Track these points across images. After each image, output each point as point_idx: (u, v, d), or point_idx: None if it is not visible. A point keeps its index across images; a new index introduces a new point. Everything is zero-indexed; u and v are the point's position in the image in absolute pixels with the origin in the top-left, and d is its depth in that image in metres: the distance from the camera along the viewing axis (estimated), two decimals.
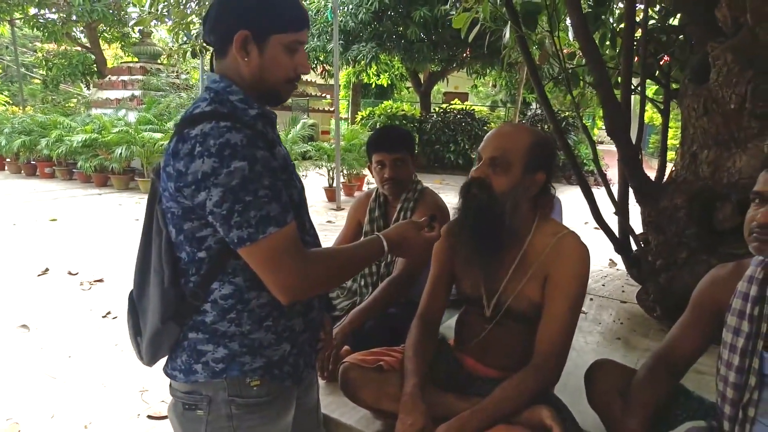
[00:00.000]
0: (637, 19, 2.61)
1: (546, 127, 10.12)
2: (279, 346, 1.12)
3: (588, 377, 1.41)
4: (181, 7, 6.06)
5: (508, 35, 2.48)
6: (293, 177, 1.15)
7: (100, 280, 4.34)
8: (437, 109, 13.76)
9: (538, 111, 11.73)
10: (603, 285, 2.95)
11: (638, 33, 2.66)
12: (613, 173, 3.28)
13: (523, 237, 1.36)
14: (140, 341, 1.14)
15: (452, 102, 16.49)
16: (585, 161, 10.57)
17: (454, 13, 3.06)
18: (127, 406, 2.53)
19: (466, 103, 16.49)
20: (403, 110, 13.58)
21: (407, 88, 17.25)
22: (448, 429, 1.21)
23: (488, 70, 11.97)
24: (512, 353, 1.40)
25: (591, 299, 2.67)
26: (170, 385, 1.15)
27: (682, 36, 2.66)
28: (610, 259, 3.79)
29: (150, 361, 1.15)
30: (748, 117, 2.05)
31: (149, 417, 2.46)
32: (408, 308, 1.72)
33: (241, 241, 0.98)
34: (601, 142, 17.72)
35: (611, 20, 3.04)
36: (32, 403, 2.53)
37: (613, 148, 2.59)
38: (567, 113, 11.50)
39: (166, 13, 6.27)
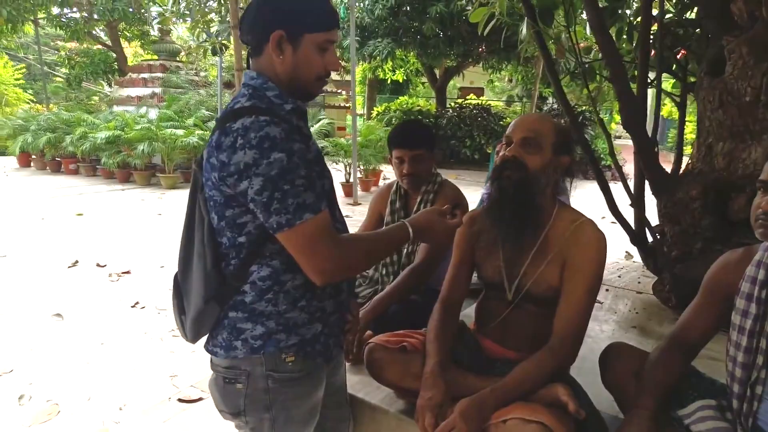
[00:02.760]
0: (654, 13, 2.65)
1: (562, 121, 10.05)
2: (312, 326, 1.21)
3: (603, 359, 1.48)
4: (202, 5, 6.19)
5: (525, 30, 2.53)
6: (325, 168, 1.23)
7: (128, 272, 4.49)
8: (453, 104, 13.76)
9: (555, 106, 11.68)
10: (619, 276, 2.99)
11: (655, 27, 2.69)
12: (630, 168, 3.30)
13: (544, 223, 1.42)
14: (184, 320, 1.23)
15: (468, 97, 16.48)
16: (602, 155, 10.51)
17: (470, 8, 3.10)
18: (159, 390, 2.66)
19: (481, 98, 16.47)
20: (418, 106, 13.63)
21: (423, 84, 17.28)
22: (469, 404, 1.29)
23: (504, 65, 11.94)
24: (531, 335, 1.46)
25: (607, 290, 2.72)
26: (211, 360, 1.24)
27: (698, 29, 2.68)
28: (627, 252, 3.82)
29: (193, 338, 1.24)
30: (763, 109, 2.08)
31: (179, 400, 2.58)
32: (429, 295, 1.80)
33: (280, 227, 1.06)
34: (619, 137, 17.57)
35: (628, 14, 3.06)
36: (70, 386, 2.67)
37: (630, 142, 2.63)
38: (584, 107, 11.42)
39: (187, 12, 6.41)
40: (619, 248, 3.80)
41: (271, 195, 1.04)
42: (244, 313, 1.17)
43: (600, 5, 3.07)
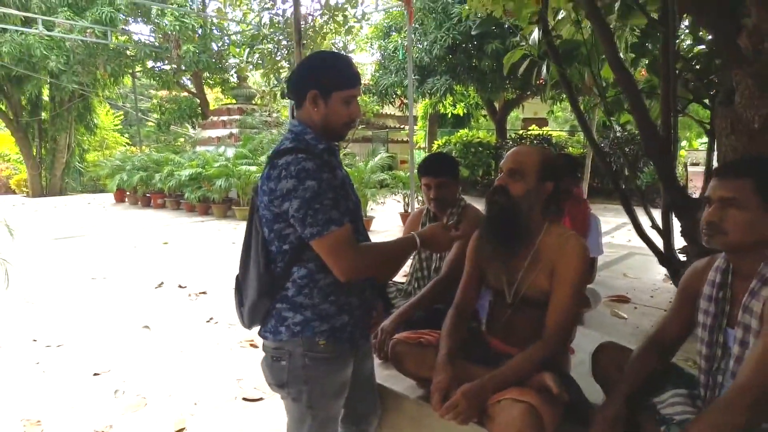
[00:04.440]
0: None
1: (618, 150, 9.97)
2: (340, 316, 1.53)
3: (594, 356, 1.68)
4: (273, 56, 6.92)
5: (544, 71, 2.79)
6: (350, 193, 1.57)
7: (204, 293, 5.04)
8: (513, 135, 13.89)
9: (618, 134, 11.52)
10: (651, 296, 3.07)
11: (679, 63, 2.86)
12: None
13: (535, 237, 1.68)
14: (243, 311, 1.60)
15: (530, 128, 16.53)
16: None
17: (523, 44, 3.39)
18: (227, 391, 3.05)
19: (544, 128, 16.46)
20: (478, 138, 13.88)
21: (484, 116, 17.52)
22: (470, 387, 1.54)
23: (563, 96, 11.98)
24: (530, 335, 1.69)
25: (635, 308, 2.82)
26: (263, 344, 1.59)
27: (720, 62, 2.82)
28: (665, 274, 3.85)
29: (249, 324, 1.60)
30: None
31: (244, 399, 2.96)
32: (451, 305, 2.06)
33: (312, 236, 1.41)
34: (696, 164, 16.80)
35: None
36: (155, 384, 3.13)
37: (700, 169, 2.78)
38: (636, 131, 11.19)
39: (260, 62, 7.18)
40: (659, 270, 3.84)
41: (306, 212, 1.39)
42: (287, 305, 1.51)
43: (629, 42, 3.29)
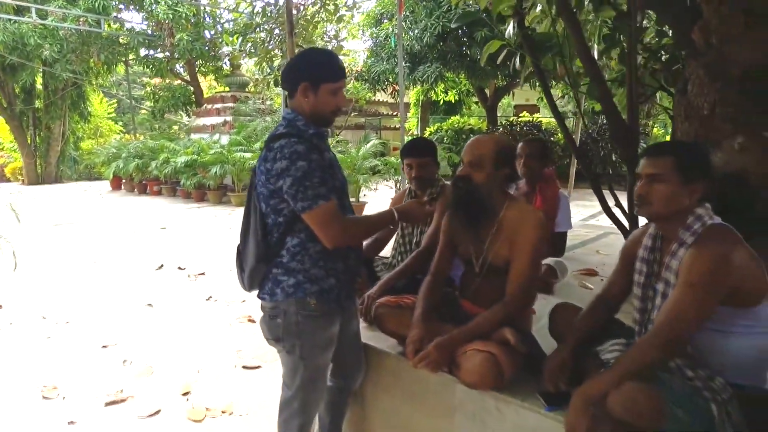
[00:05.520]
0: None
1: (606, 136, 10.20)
2: (327, 280, 1.76)
3: (551, 315, 1.93)
4: (265, 45, 7.07)
5: (517, 62, 3.01)
6: (336, 173, 1.79)
7: (203, 274, 5.28)
8: (503, 122, 14.09)
9: (605, 121, 11.80)
10: None
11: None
12: None
13: (497, 213, 1.91)
14: (243, 276, 1.82)
15: (521, 114, 16.73)
16: None
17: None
18: (227, 360, 3.30)
19: (535, 115, 16.65)
20: (469, 124, 14.09)
21: (476, 103, 17.69)
22: (441, 340, 1.78)
23: (553, 83, 12.17)
24: (496, 298, 1.92)
25: (602, 280, 3.07)
26: (261, 304, 1.82)
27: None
28: None
29: (249, 287, 1.83)
30: (719, 120, 2.45)
31: (243, 367, 3.21)
32: None
33: (303, 210, 1.63)
34: None
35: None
36: (160, 355, 3.38)
37: None
38: (641, 122, 11.51)
39: (253, 50, 7.32)
40: None
41: (297, 189, 1.62)
42: (282, 270, 1.74)
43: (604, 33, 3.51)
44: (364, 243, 2.77)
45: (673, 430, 1.36)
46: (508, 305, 1.83)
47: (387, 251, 2.83)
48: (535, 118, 14.54)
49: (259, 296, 1.82)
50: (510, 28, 3.14)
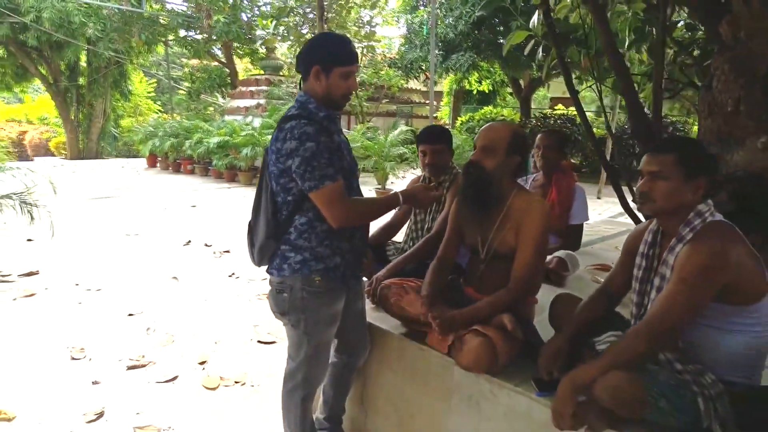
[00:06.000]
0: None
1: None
2: (332, 258, 1.83)
3: (551, 305, 1.94)
4: (298, 29, 7.15)
5: (540, 52, 2.98)
6: (345, 155, 1.84)
7: (228, 251, 5.44)
8: (537, 114, 13.86)
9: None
10: None
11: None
12: None
13: (505, 201, 1.93)
14: (253, 251, 1.91)
15: (557, 107, 16.41)
16: None
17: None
18: (244, 334, 3.43)
19: (570, 108, 16.30)
20: (502, 115, 13.93)
21: (510, 94, 17.43)
22: (443, 320, 1.83)
23: (588, 77, 11.89)
24: (499, 285, 1.95)
25: None
26: (269, 279, 1.90)
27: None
28: None
29: (259, 263, 1.91)
30: (743, 118, 2.40)
31: (259, 342, 3.33)
32: None
33: (310, 189, 1.70)
34: None
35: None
36: (181, 325, 3.53)
37: None
38: (675, 118, 11.15)
39: (286, 34, 7.41)
40: None
41: (305, 169, 1.68)
42: (289, 246, 1.81)
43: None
44: (378, 228, 2.85)
45: (656, 419, 1.38)
46: (510, 292, 1.85)
47: (400, 237, 2.88)
48: (570, 112, 14.23)
49: (267, 271, 1.90)
50: (535, 18, 3.11)
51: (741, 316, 1.41)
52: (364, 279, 2.35)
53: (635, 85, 4.21)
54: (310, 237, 1.79)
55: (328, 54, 1.75)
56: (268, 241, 1.84)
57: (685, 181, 1.48)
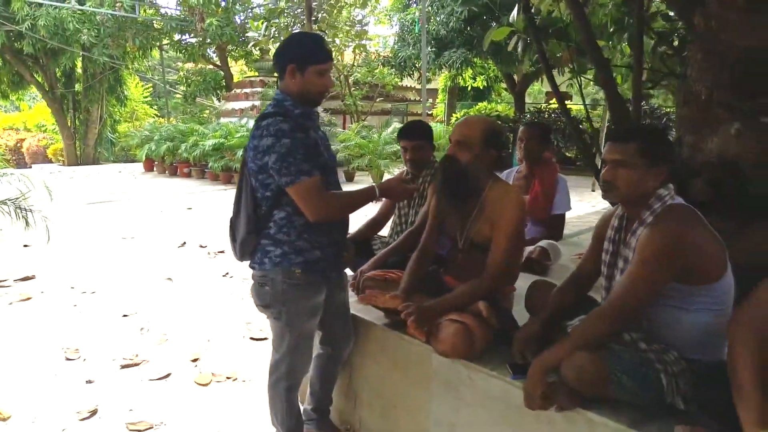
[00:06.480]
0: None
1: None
2: (312, 252, 1.87)
3: (528, 291, 1.99)
4: (290, 29, 7.19)
5: (518, 45, 3.02)
6: (322, 151, 1.89)
7: (222, 252, 5.49)
8: (531, 109, 13.89)
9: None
10: None
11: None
12: None
13: (481, 193, 1.98)
14: (235, 245, 1.95)
15: (550, 102, 16.42)
16: None
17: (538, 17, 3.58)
18: (236, 332, 3.48)
19: (566, 102, 16.33)
20: (497, 111, 13.95)
21: (505, 89, 17.45)
22: (420, 307, 1.87)
23: (584, 71, 11.92)
24: (476, 273, 2.01)
25: None
26: (251, 273, 1.95)
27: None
28: None
29: (241, 257, 1.96)
30: (716, 106, 2.44)
31: (251, 339, 3.38)
32: None
33: (287, 184, 1.74)
34: None
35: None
36: (175, 324, 3.58)
37: None
38: (668, 109, 11.19)
39: (277, 35, 7.44)
40: None
41: (281, 164, 1.73)
42: (269, 241, 1.86)
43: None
44: (363, 224, 2.90)
45: (622, 397, 1.43)
46: (485, 280, 1.90)
47: (385, 231, 2.93)
48: (568, 105, 14.27)
49: (250, 266, 1.95)
50: (514, 12, 3.15)
51: (701, 295, 1.46)
52: (350, 272, 2.41)
53: (620, 77, 4.27)
54: (289, 231, 1.84)
55: (303, 53, 1.80)
56: (249, 236, 1.89)
57: (647, 169, 1.53)
